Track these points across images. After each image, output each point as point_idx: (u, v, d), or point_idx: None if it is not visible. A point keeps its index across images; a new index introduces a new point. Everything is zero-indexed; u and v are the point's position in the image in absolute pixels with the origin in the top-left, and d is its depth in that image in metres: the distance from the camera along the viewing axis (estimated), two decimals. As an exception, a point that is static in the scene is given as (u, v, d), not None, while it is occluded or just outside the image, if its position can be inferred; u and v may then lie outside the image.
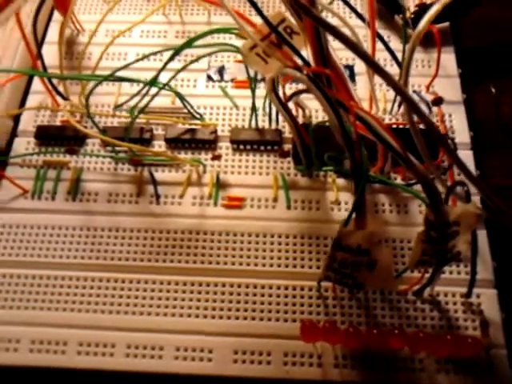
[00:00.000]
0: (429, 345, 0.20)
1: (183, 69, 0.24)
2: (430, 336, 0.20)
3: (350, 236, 0.20)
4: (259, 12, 0.21)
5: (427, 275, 0.24)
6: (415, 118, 0.22)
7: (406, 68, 0.22)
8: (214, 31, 0.24)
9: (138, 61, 0.25)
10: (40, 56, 0.28)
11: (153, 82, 0.24)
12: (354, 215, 0.20)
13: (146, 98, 0.26)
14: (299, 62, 0.22)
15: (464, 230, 0.21)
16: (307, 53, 0.23)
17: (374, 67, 0.19)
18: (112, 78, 0.25)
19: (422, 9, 0.32)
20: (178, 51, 0.23)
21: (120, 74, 0.25)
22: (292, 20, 0.22)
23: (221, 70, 0.31)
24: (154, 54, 0.25)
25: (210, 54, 0.24)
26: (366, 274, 0.21)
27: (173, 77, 0.24)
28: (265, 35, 0.23)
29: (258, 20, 0.22)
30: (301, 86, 0.27)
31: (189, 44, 0.23)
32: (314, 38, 0.22)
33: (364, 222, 0.20)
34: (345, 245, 0.20)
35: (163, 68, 0.23)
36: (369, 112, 0.20)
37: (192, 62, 0.24)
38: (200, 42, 0.24)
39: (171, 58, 0.23)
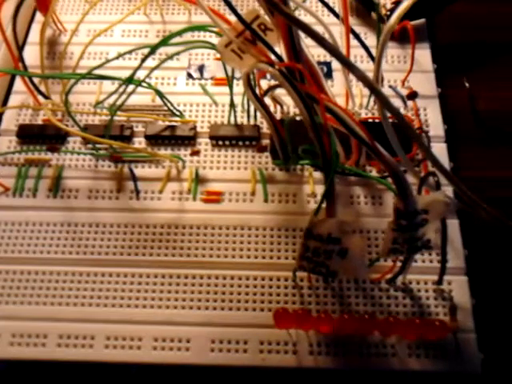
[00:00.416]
0: (398, 329, 0.20)
1: (158, 66, 0.24)
2: (399, 320, 0.21)
3: (321, 225, 0.21)
4: (232, 9, 0.22)
5: (399, 264, 0.25)
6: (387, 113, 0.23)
7: (378, 61, 0.23)
8: (188, 29, 0.25)
9: (114, 59, 0.26)
10: (20, 56, 0.29)
11: (130, 79, 0.25)
12: (324, 205, 0.21)
13: (125, 96, 0.27)
14: (273, 58, 0.23)
15: (433, 217, 0.22)
16: (280, 49, 0.23)
17: (343, 61, 0.19)
18: (90, 75, 0.25)
19: (398, 6, 0.33)
20: (154, 49, 0.24)
21: (100, 73, 0.26)
22: (266, 17, 0.23)
23: (201, 68, 0.32)
24: (130, 52, 0.25)
25: (185, 51, 0.24)
26: (338, 263, 0.22)
27: (148, 74, 0.25)
28: (239, 32, 0.23)
29: (234, 18, 0.23)
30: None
31: (165, 41, 0.24)
32: (286, 34, 0.22)
33: (334, 211, 0.21)
34: (316, 233, 0.21)
35: (140, 66, 0.24)
36: (338, 104, 0.21)
37: (166, 59, 0.24)
38: (178, 40, 0.25)
39: (147, 56, 0.24)
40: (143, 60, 0.24)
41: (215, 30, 0.25)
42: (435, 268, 0.25)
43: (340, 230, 0.21)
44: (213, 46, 0.25)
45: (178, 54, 0.24)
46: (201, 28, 0.25)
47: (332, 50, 0.20)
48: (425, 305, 0.25)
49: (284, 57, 0.23)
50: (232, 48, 0.24)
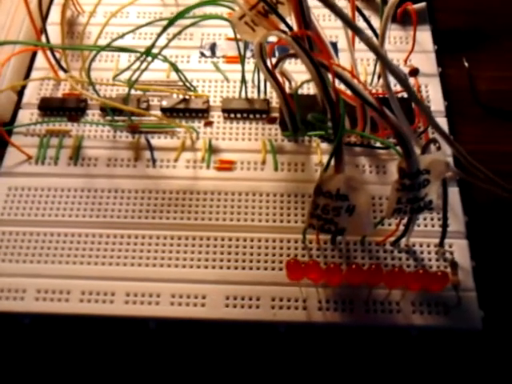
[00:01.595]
0: (403, 279, 0.22)
1: (178, 34, 0.26)
2: (403, 272, 0.22)
3: (330, 180, 0.22)
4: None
5: (402, 228, 0.26)
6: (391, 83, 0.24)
7: (383, 32, 0.25)
8: (203, 3, 0.26)
9: (133, 30, 0.27)
10: (44, 30, 0.30)
11: (148, 52, 0.26)
12: (333, 163, 0.22)
13: (143, 69, 0.28)
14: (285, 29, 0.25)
15: (434, 178, 0.23)
16: (291, 21, 0.25)
17: (350, 25, 0.21)
18: (111, 47, 0.27)
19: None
20: (172, 21, 0.25)
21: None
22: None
23: (213, 47, 0.33)
24: (149, 24, 0.27)
25: (201, 21, 0.26)
26: (346, 220, 0.23)
27: (166, 45, 0.26)
28: (252, 5, 0.25)
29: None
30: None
31: (182, 14, 0.25)
32: (297, 6, 0.24)
33: (342, 168, 0.22)
34: (325, 190, 0.22)
35: (159, 37, 0.25)
36: (346, 68, 0.22)
37: (185, 28, 0.26)
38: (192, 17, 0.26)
39: (166, 28, 0.25)
40: (162, 32, 0.25)
41: (227, 3, 0.27)
42: (436, 232, 0.27)
43: (348, 185, 0.22)
44: (225, 19, 0.26)
45: (194, 24, 0.26)
46: (214, 2, 0.26)
47: (341, 14, 0.21)
48: (427, 264, 0.26)
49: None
50: (245, 20, 0.25)
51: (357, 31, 0.21)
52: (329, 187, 0.22)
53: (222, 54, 0.33)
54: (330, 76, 0.22)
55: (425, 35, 0.34)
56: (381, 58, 0.22)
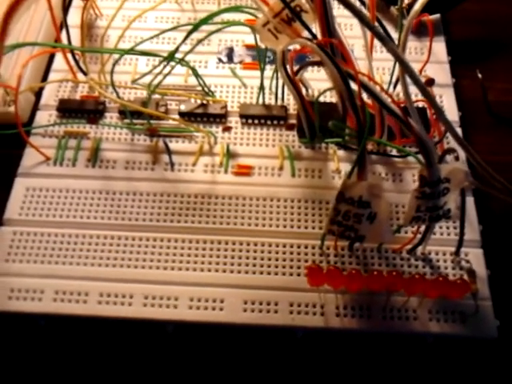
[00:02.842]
0: (423, 286, 0.22)
1: (202, 41, 0.26)
2: (423, 278, 0.22)
3: (353, 187, 0.22)
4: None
5: (419, 236, 0.26)
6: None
7: (403, 42, 0.25)
8: (226, 10, 0.27)
9: (158, 35, 0.28)
10: (67, 31, 0.30)
11: (172, 56, 0.27)
12: (356, 170, 0.23)
13: (162, 75, 0.28)
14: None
15: (454, 187, 0.24)
16: (315, 29, 0.25)
17: (378, 35, 0.21)
18: (133, 52, 0.27)
19: (416, 1, 0.35)
20: (196, 26, 0.26)
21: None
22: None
23: (230, 53, 0.34)
24: (173, 29, 0.27)
25: (225, 27, 0.26)
26: (367, 227, 0.23)
27: (190, 50, 0.27)
28: (276, 13, 0.25)
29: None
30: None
31: (206, 20, 0.26)
32: (322, 15, 0.24)
33: (365, 176, 0.23)
34: (348, 196, 0.23)
35: (183, 41, 0.26)
36: (371, 78, 0.23)
37: (210, 34, 0.26)
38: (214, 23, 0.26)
39: (190, 33, 0.26)
40: (186, 37, 0.26)
41: (250, 11, 0.27)
42: (452, 240, 0.27)
43: (370, 193, 0.23)
44: (248, 26, 0.27)
45: (218, 30, 0.26)
46: (237, 9, 0.27)
47: (368, 24, 0.21)
48: (443, 273, 0.26)
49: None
50: (269, 28, 0.26)
51: (384, 41, 0.21)
52: (351, 194, 0.23)
53: (239, 60, 0.33)
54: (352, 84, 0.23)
55: (439, 46, 0.34)
56: (405, 68, 0.22)
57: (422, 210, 0.24)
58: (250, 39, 0.33)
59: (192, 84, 0.32)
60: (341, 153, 0.30)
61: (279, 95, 0.31)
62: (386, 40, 0.21)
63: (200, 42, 0.26)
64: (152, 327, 0.25)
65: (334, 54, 0.24)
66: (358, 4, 0.32)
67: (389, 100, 0.23)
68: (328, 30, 0.24)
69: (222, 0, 0.36)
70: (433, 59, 0.33)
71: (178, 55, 0.27)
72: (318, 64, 0.26)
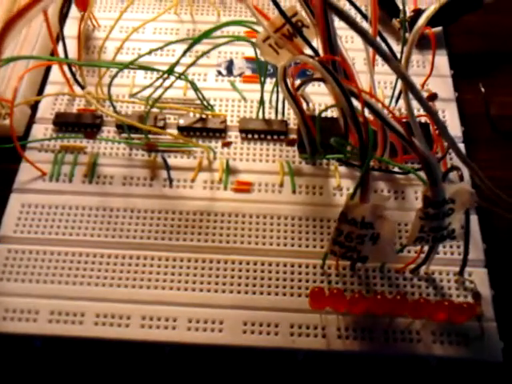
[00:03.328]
0: (428, 310, 0.22)
1: (202, 56, 0.25)
2: (429, 302, 0.22)
3: (356, 208, 0.22)
4: (276, 4, 0.23)
5: (422, 255, 0.26)
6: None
7: (407, 57, 0.25)
8: (227, 24, 0.26)
9: (158, 49, 0.27)
10: (63, 44, 0.30)
11: (171, 70, 0.26)
12: (359, 191, 0.22)
13: (160, 88, 0.28)
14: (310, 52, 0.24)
15: (458, 207, 0.23)
16: (317, 44, 0.25)
17: (381, 53, 0.21)
18: (133, 65, 0.26)
19: (418, 14, 0.34)
20: (196, 41, 0.25)
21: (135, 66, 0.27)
22: (303, 14, 0.25)
23: (229, 66, 0.33)
24: (175, 42, 0.27)
25: (225, 43, 0.26)
26: (369, 248, 0.23)
27: (190, 65, 0.26)
28: (277, 28, 0.25)
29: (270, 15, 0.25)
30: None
31: (207, 34, 0.25)
32: (323, 28, 0.24)
33: (368, 197, 0.22)
34: (351, 217, 0.22)
35: (183, 55, 0.25)
36: (375, 96, 0.22)
37: (211, 49, 0.25)
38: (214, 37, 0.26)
39: (190, 47, 0.25)
40: (186, 51, 0.25)
41: (251, 25, 0.26)
42: (455, 259, 0.26)
43: (373, 214, 0.22)
44: (248, 40, 0.26)
45: (220, 45, 0.26)
46: (239, 23, 0.26)
47: (372, 41, 0.21)
48: (447, 293, 0.26)
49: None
50: (269, 43, 0.25)
51: (388, 60, 0.21)
52: (354, 215, 0.22)
53: (238, 73, 0.33)
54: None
55: (441, 59, 0.34)
56: (409, 85, 0.22)
57: (426, 231, 0.23)
58: (249, 52, 0.32)
59: (191, 97, 0.31)
60: (342, 169, 0.29)
61: (279, 109, 0.31)
62: (390, 59, 0.21)
63: (203, 55, 0.25)
64: (150, 349, 0.25)
65: (336, 70, 0.24)
66: (358, 17, 0.32)
67: (393, 120, 0.22)
68: (330, 46, 0.24)
69: (222, 11, 0.36)
70: (435, 73, 0.33)
71: (178, 68, 0.27)
72: (320, 80, 0.25)
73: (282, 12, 0.23)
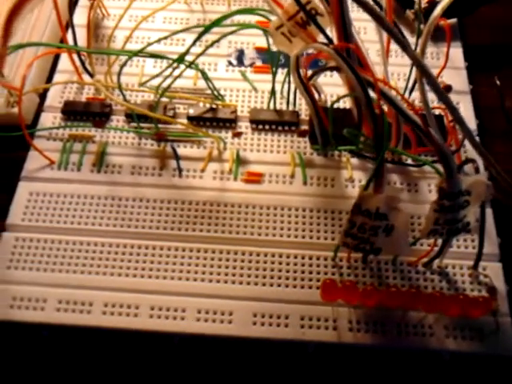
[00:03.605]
0: (442, 304, 0.21)
1: (212, 45, 0.25)
2: (443, 296, 0.21)
3: (370, 199, 0.21)
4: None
5: (436, 248, 0.25)
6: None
7: (423, 48, 0.24)
8: (238, 12, 0.25)
9: (168, 37, 0.26)
10: (73, 32, 0.30)
11: (181, 59, 0.26)
12: (373, 182, 0.22)
13: (170, 78, 0.27)
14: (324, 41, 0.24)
15: (474, 199, 0.23)
16: (331, 33, 0.24)
17: (398, 41, 0.20)
18: (142, 54, 0.26)
19: (432, 5, 0.34)
20: (207, 29, 0.25)
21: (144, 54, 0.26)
22: (317, 2, 0.24)
23: (240, 56, 0.33)
24: (185, 30, 0.26)
25: (239, 29, 0.25)
26: (382, 239, 0.23)
27: (200, 54, 0.26)
28: (291, 15, 0.24)
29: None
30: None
31: (217, 22, 0.25)
32: (338, 16, 0.23)
33: (383, 188, 0.22)
34: (364, 208, 0.22)
35: (193, 44, 0.25)
36: (392, 86, 0.22)
37: (221, 38, 0.25)
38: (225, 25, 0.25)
39: (201, 35, 0.25)
40: (196, 39, 0.25)
41: (263, 13, 0.26)
42: (469, 253, 0.26)
43: (388, 205, 0.22)
44: (260, 28, 0.26)
45: (232, 33, 0.25)
46: (251, 11, 0.26)
47: (390, 29, 0.21)
48: (460, 287, 0.25)
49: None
50: (282, 31, 0.25)
51: (405, 48, 0.20)
52: (368, 206, 0.22)
53: (249, 63, 0.32)
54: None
55: (456, 51, 0.33)
56: (425, 74, 0.21)
57: (441, 223, 0.23)
58: (260, 41, 0.32)
59: (201, 87, 0.31)
60: (354, 161, 0.29)
61: (291, 100, 0.30)
62: (407, 47, 0.20)
63: (213, 43, 0.25)
64: (158, 339, 0.25)
65: (350, 58, 0.24)
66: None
67: (409, 110, 0.22)
68: (345, 34, 0.23)
69: (232, 1, 0.35)
70: (449, 65, 0.32)
71: (188, 57, 0.26)
72: (334, 69, 0.25)
73: (296, 0, 0.23)
